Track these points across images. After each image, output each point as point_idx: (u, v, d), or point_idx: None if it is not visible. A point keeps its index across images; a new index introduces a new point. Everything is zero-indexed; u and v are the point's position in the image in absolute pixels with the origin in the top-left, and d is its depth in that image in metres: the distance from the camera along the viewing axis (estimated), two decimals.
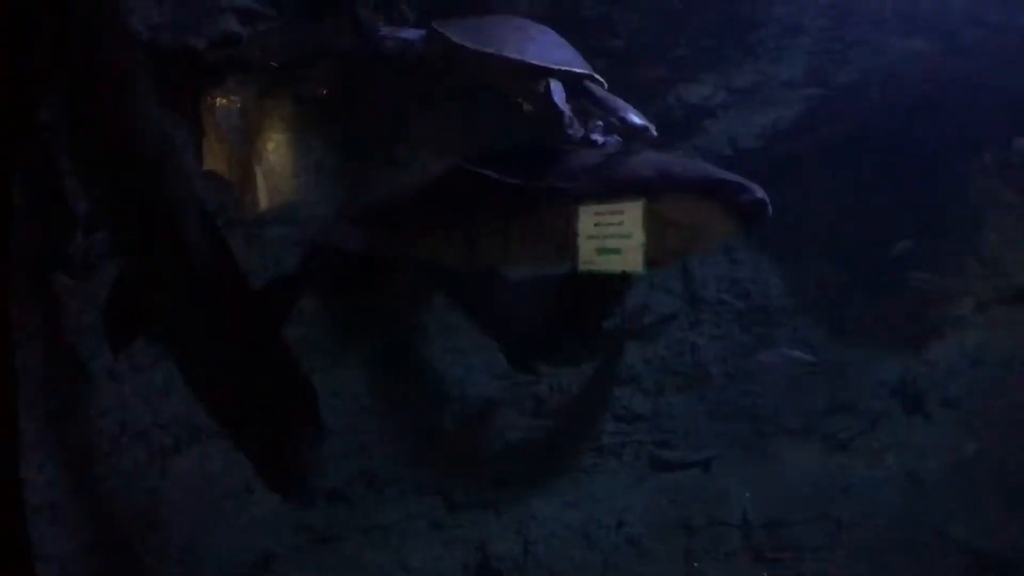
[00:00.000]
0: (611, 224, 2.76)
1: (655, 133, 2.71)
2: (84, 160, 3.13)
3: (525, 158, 3.01)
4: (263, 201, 4.94)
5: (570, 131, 2.84)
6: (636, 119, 2.75)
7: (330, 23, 4.63)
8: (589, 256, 2.79)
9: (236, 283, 3.45)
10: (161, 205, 3.12)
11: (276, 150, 5.00)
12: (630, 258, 2.74)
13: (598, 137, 2.91)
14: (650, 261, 2.75)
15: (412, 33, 3.21)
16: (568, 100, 2.85)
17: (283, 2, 4.55)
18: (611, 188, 2.72)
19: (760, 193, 2.57)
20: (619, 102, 2.83)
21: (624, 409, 5.32)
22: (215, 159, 4.80)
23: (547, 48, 2.89)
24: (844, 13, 5.24)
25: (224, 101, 4.85)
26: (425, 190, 3.45)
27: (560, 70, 2.81)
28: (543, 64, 2.83)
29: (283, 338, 3.48)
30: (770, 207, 2.55)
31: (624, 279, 3.17)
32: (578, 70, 2.84)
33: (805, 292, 5.58)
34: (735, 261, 5.49)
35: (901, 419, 5.51)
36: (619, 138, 2.97)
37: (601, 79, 2.85)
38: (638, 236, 2.72)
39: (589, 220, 2.79)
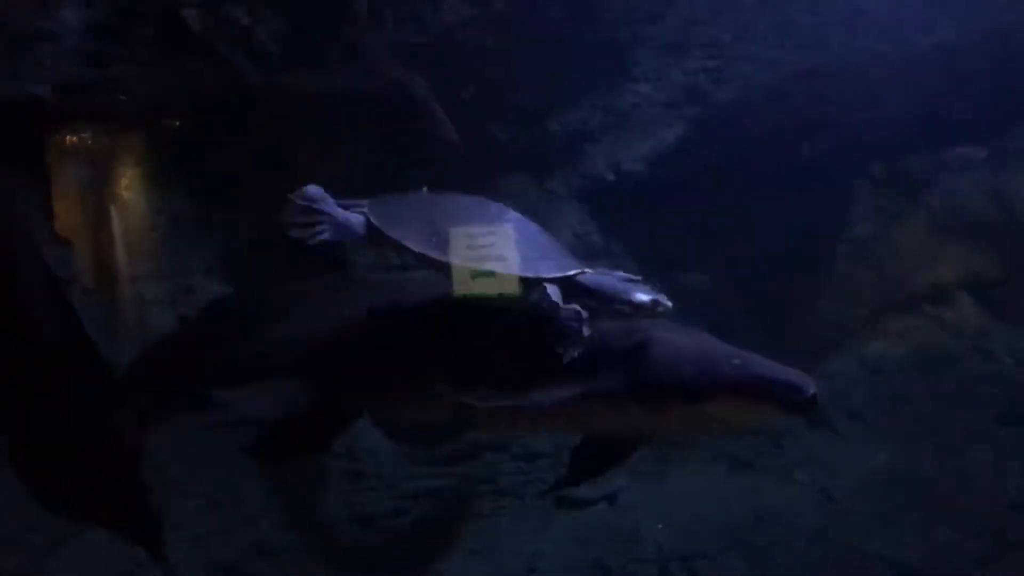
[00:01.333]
0: (484, 247, 2.55)
1: (668, 303, 2.43)
2: None
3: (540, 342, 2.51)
4: (123, 262, 4.64)
5: (575, 327, 2.52)
6: (644, 297, 2.44)
7: (191, 64, 4.41)
8: (463, 280, 2.56)
9: (83, 357, 3.12)
10: None
11: (137, 205, 4.71)
12: (506, 281, 2.53)
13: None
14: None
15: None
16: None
17: (137, 43, 4.30)
18: (649, 390, 2.45)
19: (812, 389, 2.33)
20: (617, 285, 2.49)
21: (522, 447, 5.10)
22: (67, 218, 4.48)
23: (530, 248, 2.53)
24: (723, 31, 5.26)
25: (76, 153, 4.55)
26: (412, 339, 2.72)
27: (551, 277, 2.46)
28: (535, 275, 2.47)
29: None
30: (819, 398, 2.36)
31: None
32: (566, 273, 2.49)
33: (694, 311, 5.48)
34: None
35: (806, 435, 5.42)
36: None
37: (585, 269, 2.55)
38: (513, 258, 2.52)
39: (461, 243, 2.56)
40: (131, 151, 4.61)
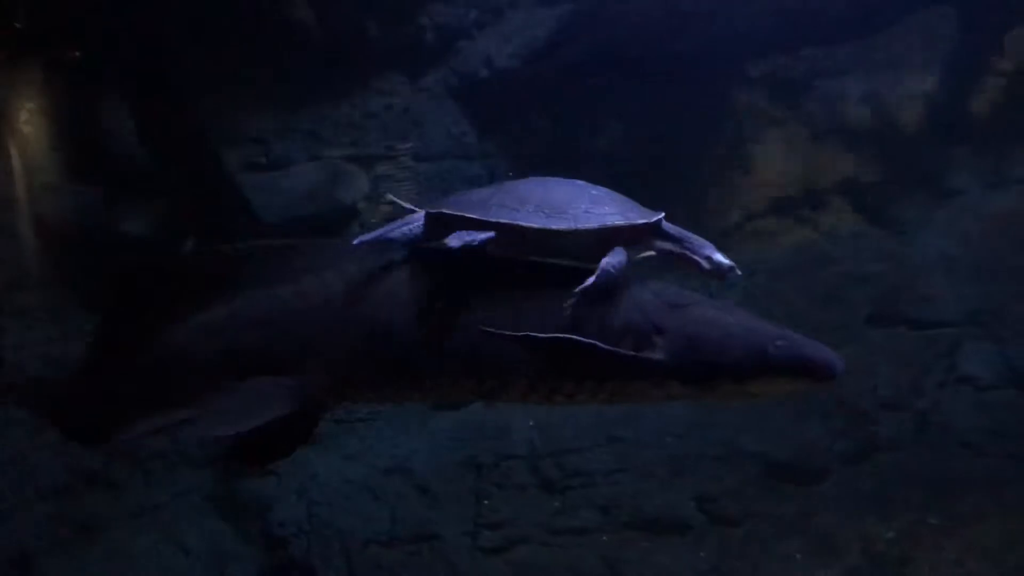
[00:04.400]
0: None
1: (740, 273, 2.38)
2: None
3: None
4: None
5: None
6: (723, 259, 2.37)
7: None
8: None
9: None
10: None
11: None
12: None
13: None
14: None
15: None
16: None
17: None
18: (702, 367, 2.37)
19: (841, 366, 2.37)
20: (698, 239, 2.43)
21: None
22: None
23: (613, 203, 2.40)
24: None
25: None
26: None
27: (648, 223, 2.37)
28: (644, 221, 2.35)
29: None
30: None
31: None
32: (656, 217, 2.40)
33: None
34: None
35: None
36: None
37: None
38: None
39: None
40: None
